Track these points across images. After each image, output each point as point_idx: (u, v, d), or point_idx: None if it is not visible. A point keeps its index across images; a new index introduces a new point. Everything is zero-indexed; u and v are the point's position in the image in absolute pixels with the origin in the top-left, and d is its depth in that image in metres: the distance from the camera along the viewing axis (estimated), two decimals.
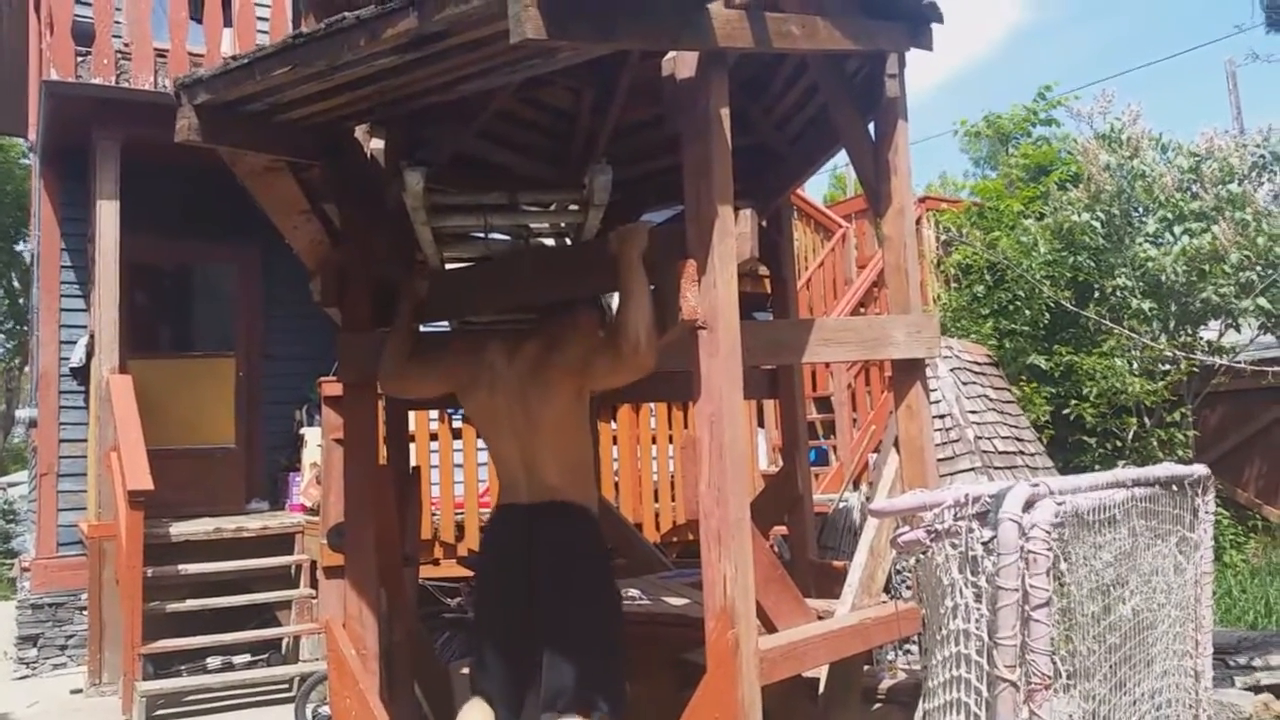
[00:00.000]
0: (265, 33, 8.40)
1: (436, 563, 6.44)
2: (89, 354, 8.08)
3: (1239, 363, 8.96)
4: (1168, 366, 8.85)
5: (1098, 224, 8.94)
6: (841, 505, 7.42)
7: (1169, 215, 8.92)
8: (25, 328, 15.05)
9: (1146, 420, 8.74)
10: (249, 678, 6.98)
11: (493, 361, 3.28)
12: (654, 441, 7.41)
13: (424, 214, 3.36)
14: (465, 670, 4.03)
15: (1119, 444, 8.75)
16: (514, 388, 3.21)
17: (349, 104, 3.02)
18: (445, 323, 4.33)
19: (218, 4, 8.08)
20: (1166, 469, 3.31)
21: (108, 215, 7.54)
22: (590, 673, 3.05)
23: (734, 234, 2.87)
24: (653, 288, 3.03)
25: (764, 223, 4.39)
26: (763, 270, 5.00)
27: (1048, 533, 2.27)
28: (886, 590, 3.69)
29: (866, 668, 3.98)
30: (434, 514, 6.53)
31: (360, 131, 3.66)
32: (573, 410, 3.20)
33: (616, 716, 3.07)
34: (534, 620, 3.11)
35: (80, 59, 7.64)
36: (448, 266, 3.91)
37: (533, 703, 3.14)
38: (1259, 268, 8.48)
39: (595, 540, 3.26)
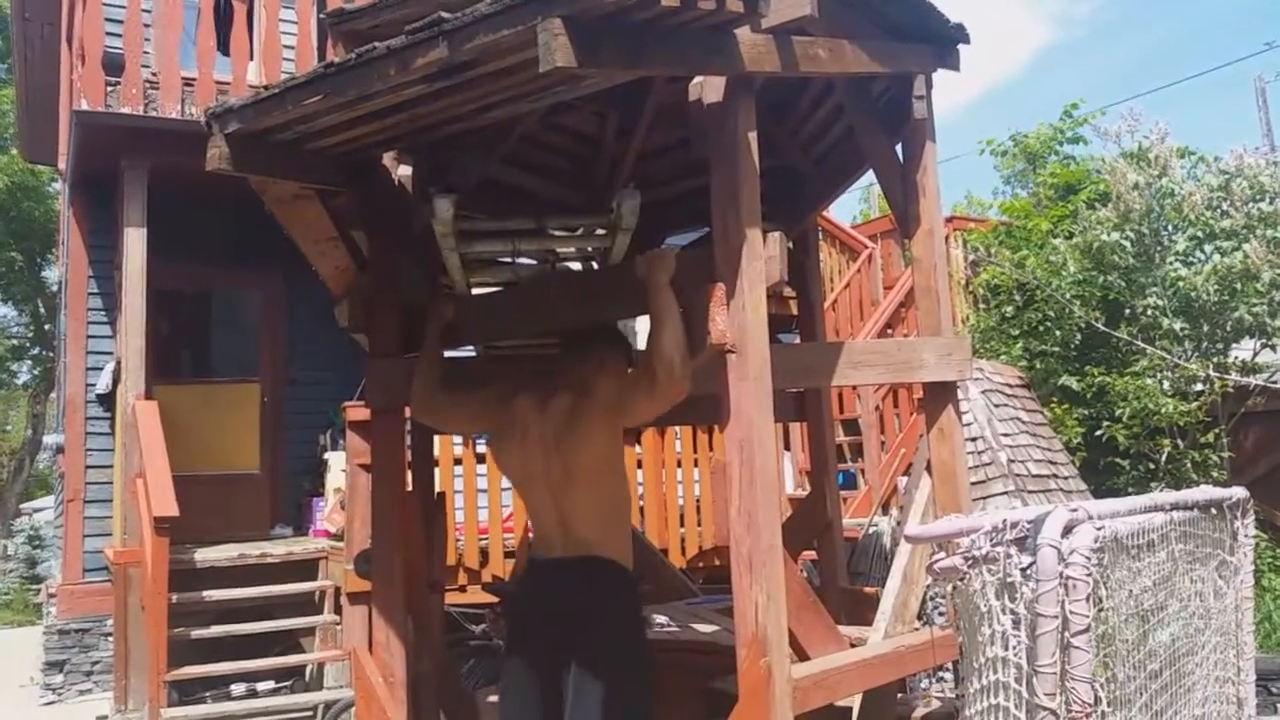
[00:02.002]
0: (290, 61, 8.49)
1: (463, 589, 6.42)
2: (115, 380, 8.14)
3: (1274, 383, 8.83)
4: (1201, 387, 8.74)
5: (1127, 243, 8.86)
6: (871, 530, 7.35)
7: (1199, 234, 8.83)
8: (52, 354, 15.21)
9: (1180, 442, 8.62)
10: (273, 705, 6.96)
11: (523, 415, 3.20)
12: (679, 466, 7.37)
13: (452, 240, 3.36)
14: (491, 698, 4.00)
15: (1152, 466, 8.63)
16: (547, 441, 3.13)
17: (378, 132, 3.04)
18: (471, 348, 4.34)
19: (244, 34, 8.18)
20: (1204, 492, 3.24)
21: (135, 243, 7.61)
22: None
23: (762, 257, 2.86)
24: (681, 311, 3.01)
25: (790, 244, 4.38)
26: (788, 292, 4.98)
27: (1087, 558, 2.22)
28: (920, 617, 3.64)
29: (900, 696, 3.92)
30: (458, 540, 6.51)
31: (388, 158, 3.67)
32: (610, 455, 3.13)
33: None
34: (563, 677, 3.02)
35: (110, 89, 7.74)
36: (474, 291, 3.91)
37: None
38: None
39: (629, 598, 3.17)
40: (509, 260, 3.76)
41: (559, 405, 3.17)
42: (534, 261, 3.85)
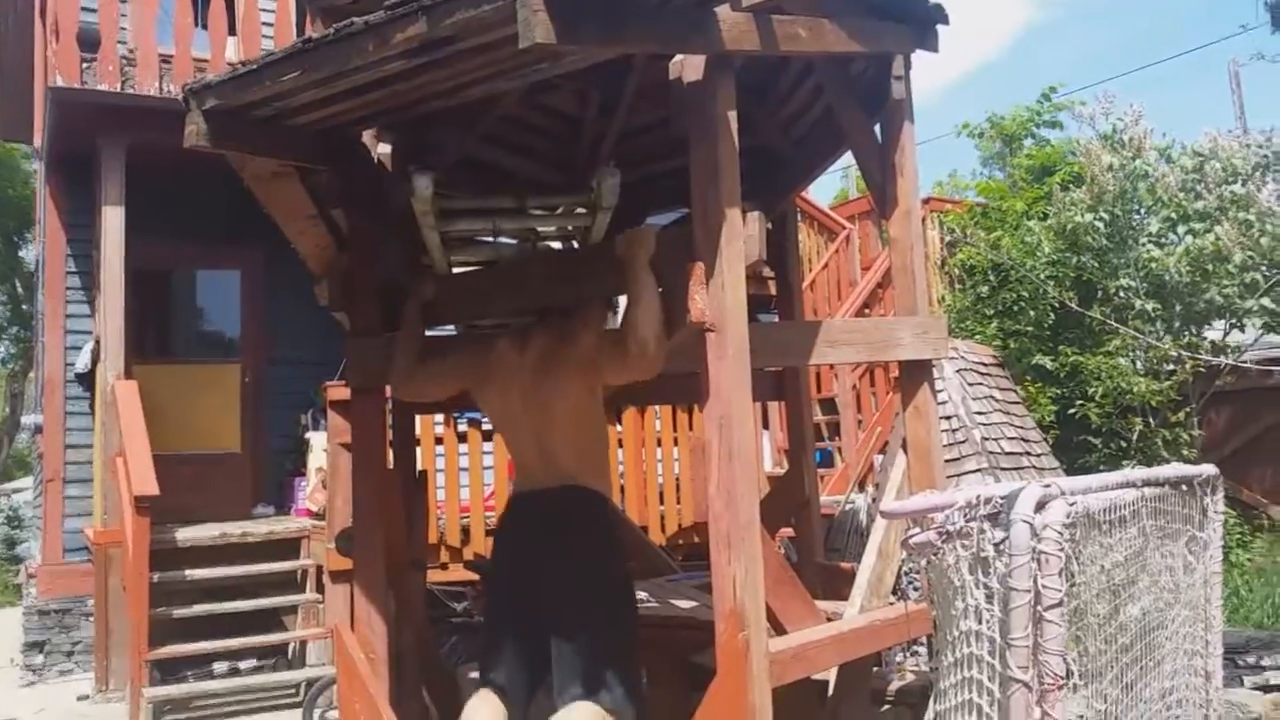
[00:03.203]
0: (270, 38, 8.41)
1: (445, 567, 6.44)
2: (94, 360, 8.09)
3: (1244, 363, 8.96)
4: (1172, 367, 8.85)
5: (1101, 224, 8.93)
6: (847, 507, 7.42)
7: (1172, 215, 8.92)
8: (30, 333, 15.08)
9: (1152, 420, 8.73)
10: (256, 683, 6.99)
11: (503, 355, 3.30)
12: (659, 444, 7.40)
13: (432, 218, 3.37)
14: (473, 674, 4.03)
15: (1124, 444, 8.74)
16: (527, 379, 3.22)
17: (357, 109, 3.03)
18: (452, 327, 4.34)
19: (222, 11, 8.10)
20: (1176, 469, 3.30)
21: (112, 221, 7.56)
22: (602, 657, 3.03)
23: (741, 236, 2.88)
24: (660, 290, 3.03)
25: (770, 225, 4.40)
26: (767, 272, 5.01)
27: (1060, 533, 2.27)
28: (895, 592, 3.69)
29: (875, 669, 3.98)
30: (440, 518, 6.53)
31: (368, 136, 3.66)
32: (586, 403, 3.21)
33: (630, 701, 3.04)
34: (547, 606, 3.10)
35: (85, 65, 7.66)
36: (454, 270, 3.91)
37: (544, 692, 3.13)
38: (1263, 268, 8.48)
39: (610, 524, 3.27)
40: (489, 239, 3.76)
41: (538, 345, 3.26)
42: (514, 240, 3.86)
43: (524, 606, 3.16)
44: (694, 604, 4.23)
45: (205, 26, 8.11)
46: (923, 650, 4.55)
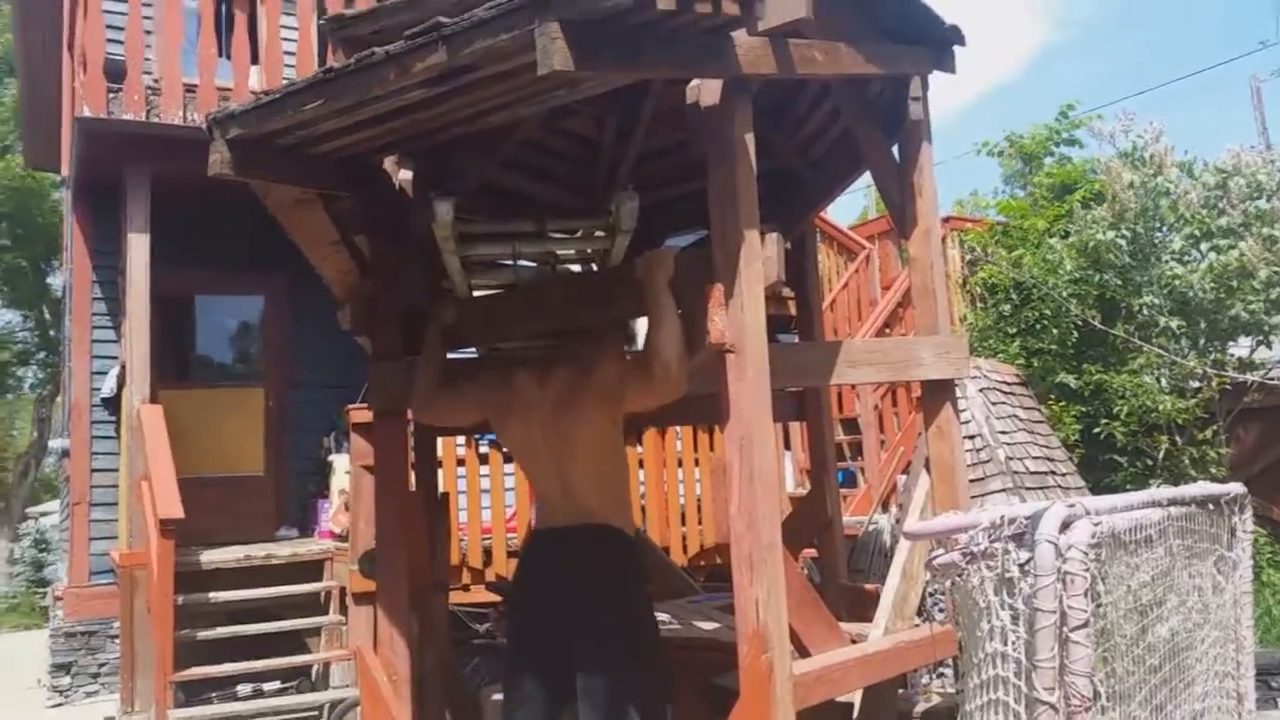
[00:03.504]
0: (292, 67, 8.52)
1: (467, 588, 6.45)
2: (120, 384, 8.17)
3: (1271, 379, 8.86)
4: (1198, 384, 8.77)
5: (1123, 242, 8.89)
6: (871, 528, 7.38)
7: (1196, 232, 8.86)
8: (57, 359, 15.25)
9: (1178, 439, 8.64)
10: (279, 705, 6.99)
11: (524, 389, 3.28)
12: (680, 465, 7.40)
13: (453, 243, 3.40)
14: (496, 696, 4.03)
15: (1150, 463, 8.65)
16: (547, 414, 3.20)
17: (378, 136, 3.07)
18: (473, 350, 4.37)
19: (245, 40, 8.21)
20: (1202, 488, 3.27)
21: (138, 248, 7.64)
22: (629, 696, 3.02)
23: (760, 258, 2.89)
24: (680, 312, 3.04)
25: (789, 245, 4.41)
26: (787, 292, 5.02)
27: (1085, 554, 2.25)
28: (920, 613, 3.66)
29: (901, 691, 3.95)
30: (461, 540, 6.54)
31: (389, 163, 3.70)
32: (607, 433, 3.20)
33: None
34: (571, 647, 3.08)
35: (112, 95, 7.77)
36: (475, 294, 3.94)
37: None
38: None
39: (633, 563, 3.25)
40: (509, 263, 3.79)
41: (558, 378, 3.24)
42: (534, 264, 3.88)
43: (548, 647, 3.14)
44: (716, 625, 4.21)
45: (229, 56, 8.22)
46: (949, 672, 4.51)
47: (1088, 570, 2.28)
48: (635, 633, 3.12)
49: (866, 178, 4.25)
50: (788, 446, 8.57)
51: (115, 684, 7.72)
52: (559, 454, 3.19)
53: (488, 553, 6.64)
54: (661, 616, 4.37)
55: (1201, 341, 8.88)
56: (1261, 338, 8.96)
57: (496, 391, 3.38)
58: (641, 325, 3.38)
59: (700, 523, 7.30)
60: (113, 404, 8.45)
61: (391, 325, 3.70)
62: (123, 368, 8.06)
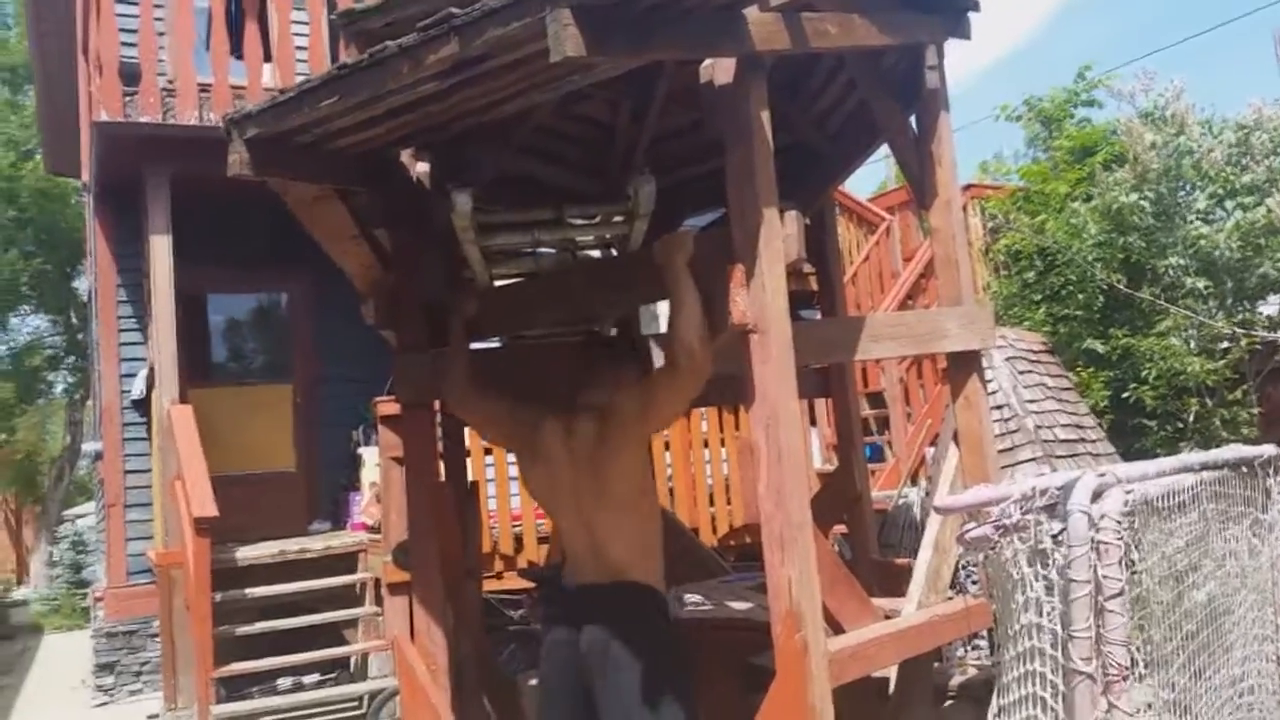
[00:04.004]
0: (304, 62, 8.54)
1: (499, 576, 6.49)
2: (149, 386, 8.25)
3: None
4: (1227, 344, 8.66)
5: (1146, 204, 8.77)
6: (900, 502, 7.36)
7: (1220, 190, 8.74)
8: (86, 362, 15.43)
9: (1208, 400, 8.55)
10: (319, 697, 7.09)
11: (547, 443, 3.20)
12: (706, 445, 7.40)
13: (472, 233, 3.40)
14: (532, 681, 4.06)
15: (1180, 426, 8.57)
16: (575, 468, 3.13)
17: (394, 130, 3.07)
18: (495, 340, 4.38)
19: (257, 39, 8.24)
20: (1235, 450, 3.24)
21: (160, 249, 7.71)
22: None
23: (780, 236, 2.87)
24: (701, 294, 3.03)
25: (808, 221, 4.39)
26: (807, 268, 4.99)
27: (1118, 522, 2.24)
28: (952, 586, 3.66)
29: (937, 665, 3.94)
30: (492, 528, 6.58)
31: (406, 156, 3.71)
32: (638, 479, 3.13)
33: None
34: (601, 708, 3.02)
35: (127, 98, 7.83)
36: (496, 283, 3.95)
37: None
38: None
39: (663, 622, 3.14)
40: (529, 251, 3.79)
41: (584, 431, 3.15)
42: (554, 251, 3.89)
43: (577, 704, 3.07)
44: (748, 605, 4.22)
45: (241, 56, 8.25)
46: (984, 644, 4.50)
47: (1121, 539, 2.27)
48: (667, 696, 3.02)
49: (885, 148, 4.22)
50: (813, 423, 8.55)
51: (158, 682, 7.84)
52: (588, 507, 3.11)
53: (519, 539, 6.67)
54: (694, 597, 4.39)
55: (1229, 301, 8.77)
56: None
57: (522, 435, 3.32)
58: (664, 309, 3.37)
59: (728, 503, 7.31)
60: (143, 405, 8.54)
61: (415, 318, 3.72)
62: (151, 369, 8.14)
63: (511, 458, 6.73)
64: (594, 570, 3.12)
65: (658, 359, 3.49)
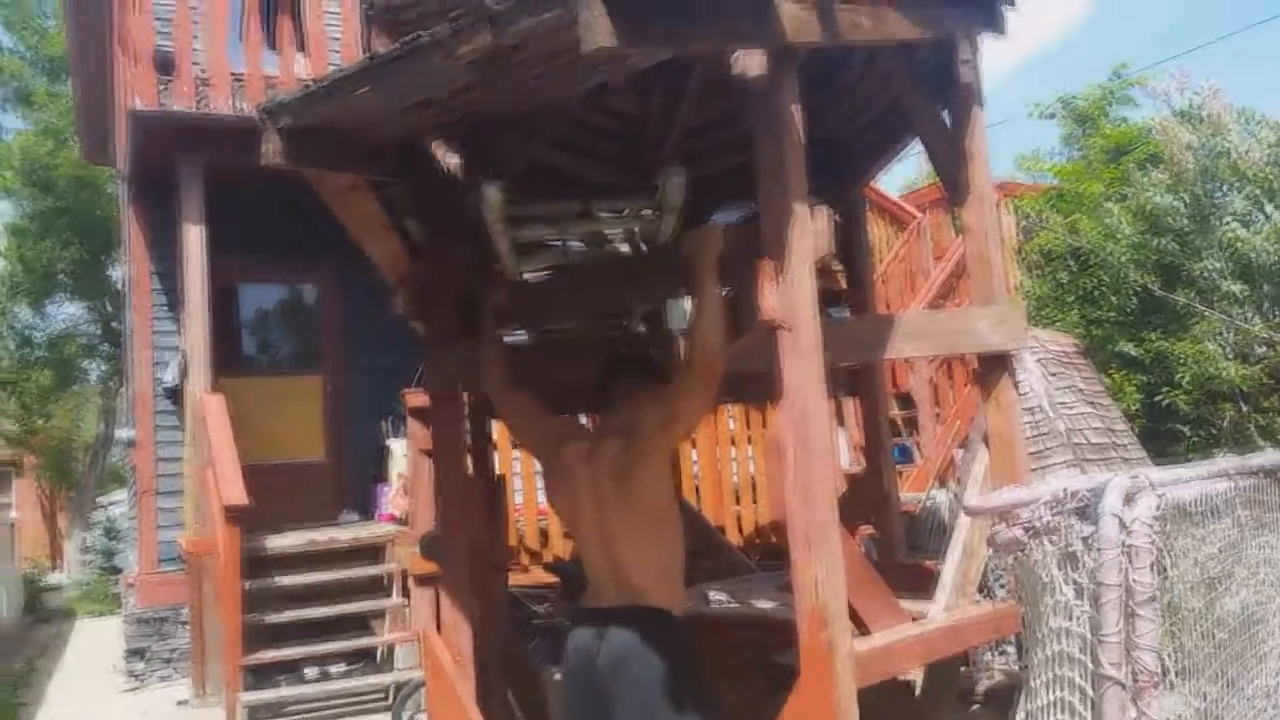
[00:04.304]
0: (337, 53, 8.59)
1: (525, 569, 6.50)
2: (182, 374, 8.33)
3: None
4: (1263, 349, 8.52)
5: (1182, 205, 8.65)
6: (928, 504, 7.30)
7: (1258, 192, 8.59)
8: (120, 350, 15.61)
9: (1243, 406, 8.41)
10: (345, 687, 7.13)
11: (570, 464, 3.18)
12: (733, 444, 7.38)
13: (502, 225, 3.40)
14: (557, 675, 4.06)
15: (1214, 431, 8.44)
16: (597, 491, 3.10)
17: (425, 120, 3.08)
18: (523, 333, 4.39)
19: (290, 29, 8.29)
20: (1269, 457, 3.18)
21: (193, 239, 7.79)
22: None
23: (810, 231, 2.84)
24: (730, 290, 3.01)
25: (838, 218, 4.36)
26: (836, 266, 4.96)
27: (1150, 526, 2.21)
28: (981, 590, 3.62)
29: (963, 669, 3.91)
30: (518, 522, 6.59)
31: (436, 147, 3.71)
32: (661, 499, 3.11)
33: None
34: None
35: (162, 87, 7.90)
36: (525, 275, 3.95)
37: None
38: None
39: (680, 648, 3.09)
40: (558, 243, 3.79)
41: (606, 453, 3.12)
42: (583, 244, 3.88)
43: (595, 713, 3.06)
44: (773, 603, 4.20)
45: (274, 46, 8.31)
46: (1011, 649, 4.46)
47: (1153, 543, 2.24)
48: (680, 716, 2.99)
49: (916, 145, 4.17)
50: (841, 423, 8.50)
51: (187, 668, 7.93)
52: (610, 530, 3.08)
53: (544, 534, 6.69)
54: (719, 595, 4.37)
55: (1265, 305, 8.62)
56: None
57: (549, 446, 3.31)
58: (688, 304, 3.35)
59: (754, 501, 7.29)
60: (175, 394, 8.62)
61: (445, 309, 3.72)
62: (183, 357, 8.22)
63: None
64: (614, 593, 3.10)
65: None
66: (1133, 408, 8.37)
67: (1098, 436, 6.25)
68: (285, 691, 6.99)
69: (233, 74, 8.05)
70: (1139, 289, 8.80)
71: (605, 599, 3.13)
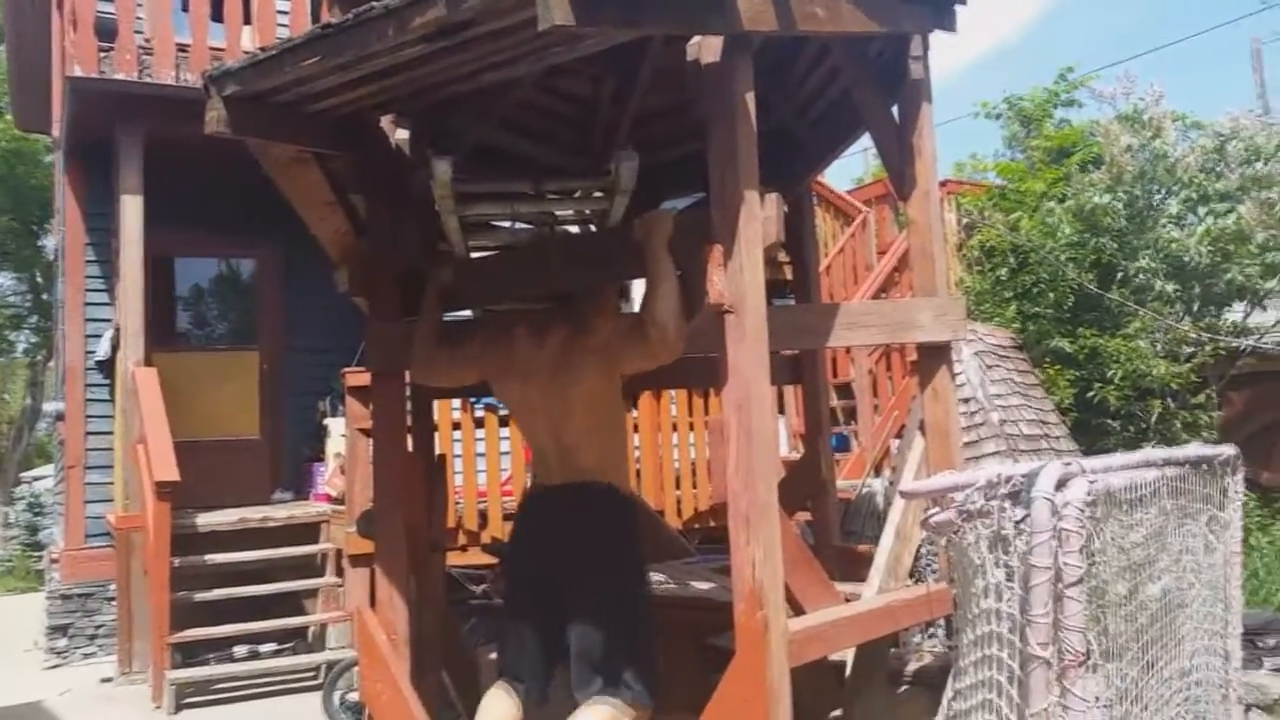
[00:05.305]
0: (285, 26, 8.43)
1: (463, 550, 6.48)
2: (114, 348, 8.15)
3: (1264, 344, 8.88)
4: (1192, 349, 8.78)
5: (1120, 205, 8.87)
6: (864, 491, 7.41)
7: (1193, 196, 8.84)
8: (50, 322, 15.20)
9: (1171, 403, 8.67)
10: (275, 666, 7.05)
11: (521, 348, 3.29)
12: (675, 428, 7.41)
13: (451, 203, 3.38)
14: (492, 655, 4.07)
15: (1143, 426, 8.68)
16: (545, 373, 3.22)
17: (375, 94, 3.05)
18: (469, 311, 4.36)
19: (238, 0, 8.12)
20: (1196, 449, 3.29)
21: (131, 210, 7.61)
22: (622, 653, 3.06)
23: (760, 218, 2.88)
24: (679, 273, 3.04)
25: (786, 208, 4.39)
26: (783, 256, 5.01)
27: (1081, 510, 2.27)
28: (912, 575, 3.69)
29: (893, 651, 3.99)
30: (457, 503, 6.57)
31: (385, 122, 3.68)
32: (604, 392, 3.22)
33: (650, 697, 3.08)
34: (565, 600, 3.13)
35: (103, 55, 7.69)
36: (472, 254, 3.93)
37: (561, 681, 3.16)
38: None
39: (627, 521, 3.27)
40: (507, 223, 3.77)
41: (556, 337, 3.25)
42: (532, 225, 3.87)
43: (544, 603, 3.18)
44: (711, 585, 4.25)
45: (220, 18, 8.14)
46: (940, 633, 4.56)
47: (1083, 527, 2.30)
48: (627, 590, 3.17)
49: (864, 140, 4.23)
50: (782, 410, 8.59)
51: (112, 646, 7.78)
52: (556, 412, 3.20)
53: (483, 515, 6.66)
54: (657, 577, 4.40)
55: (1196, 306, 8.89)
56: (1256, 302, 8.98)
57: (496, 350, 3.39)
58: (638, 287, 3.38)
59: (695, 486, 7.34)
60: (107, 367, 8.43)
61: (389, 286, 3.69)
62: (117, 330, 8.04)
63: (480, 434, 6.73)
64: (561, 472, 3.24)
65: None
66: (1065, 401, 8.58)
67: (1030, 428, 6.39)
68: (214, 670, 6.90)
69: (177, 44, 7.87)
70: (1075, 287, 9.01)
71: (554, 478, 3.27)
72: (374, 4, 2.53)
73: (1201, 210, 8.73)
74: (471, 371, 3.50)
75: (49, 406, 11.86)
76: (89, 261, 8.74)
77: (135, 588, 7.25)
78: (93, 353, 8.55)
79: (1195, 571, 3.18)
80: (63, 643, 8.14)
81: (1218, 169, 8.78)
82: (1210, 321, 8.83)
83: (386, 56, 2.68)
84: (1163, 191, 9.03)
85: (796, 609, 3.09)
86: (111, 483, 8.18)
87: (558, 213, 3.78)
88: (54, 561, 8.89)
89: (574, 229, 4.01)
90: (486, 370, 3.45)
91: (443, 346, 3.50)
